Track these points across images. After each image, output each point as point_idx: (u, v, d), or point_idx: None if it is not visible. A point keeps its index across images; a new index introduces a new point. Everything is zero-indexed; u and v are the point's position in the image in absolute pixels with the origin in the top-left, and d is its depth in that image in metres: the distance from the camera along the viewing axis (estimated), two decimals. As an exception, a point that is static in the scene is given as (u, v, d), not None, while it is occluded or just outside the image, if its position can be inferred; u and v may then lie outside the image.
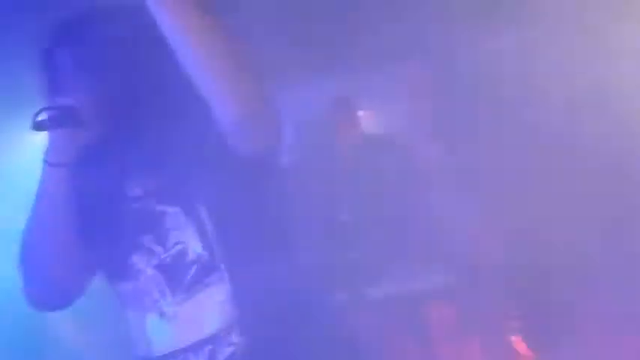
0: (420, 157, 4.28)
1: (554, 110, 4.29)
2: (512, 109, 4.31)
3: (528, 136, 4.27)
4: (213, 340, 1.67)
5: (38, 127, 1.68)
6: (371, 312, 3.61)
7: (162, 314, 1.69)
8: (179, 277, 1.68)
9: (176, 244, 1.69)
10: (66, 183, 1.70)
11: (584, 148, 4.19)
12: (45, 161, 1.69)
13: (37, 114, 1.67)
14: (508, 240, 3.76)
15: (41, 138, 1.72)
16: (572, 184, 4.21)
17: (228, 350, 1.66)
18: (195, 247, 1.68)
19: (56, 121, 1.66)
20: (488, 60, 4.41)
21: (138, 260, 1.73)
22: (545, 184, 4.12)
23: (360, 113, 4.23)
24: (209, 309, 1.67)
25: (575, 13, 4.00)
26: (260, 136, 1.65)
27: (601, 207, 4.08)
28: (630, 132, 4.02)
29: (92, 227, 1.75)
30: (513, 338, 3.64)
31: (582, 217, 4.15)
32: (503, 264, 3.64)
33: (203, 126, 1.66)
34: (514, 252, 3.79)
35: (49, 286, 1.76)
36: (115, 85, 1.67)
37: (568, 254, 4.07)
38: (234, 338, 1.66)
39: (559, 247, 4.07)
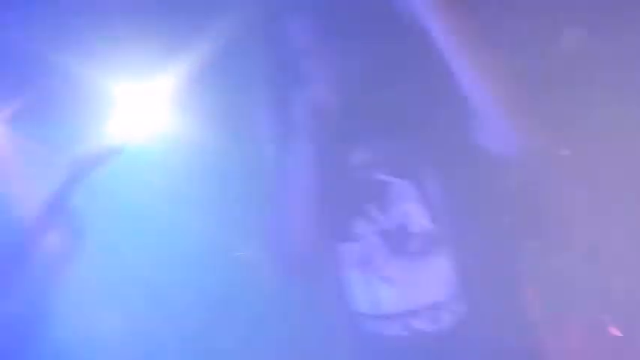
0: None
1: None
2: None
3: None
4: (435, 306, 1.75)
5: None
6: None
7: (386, 278, 1.79)
8: (403, 246, 1.77)
9: (400, 214, 1.78)
10: (311, 154, 1.83)
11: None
12: (299, 135, 1.82)
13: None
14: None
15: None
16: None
17: (450, 318, 1.74)
18: (420, 219, 1.77)
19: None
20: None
21: (360, 225, 1.83)
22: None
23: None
24: (432, 278, 1.75)
25: None
26: (513, 137, 1.70)
27: None
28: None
29: (323, 192, 1.86)
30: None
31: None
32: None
33: (448, 110, 1.72)
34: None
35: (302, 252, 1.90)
36: (357, 56, 1.76)
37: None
38: (457, 307, 1.74)
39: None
